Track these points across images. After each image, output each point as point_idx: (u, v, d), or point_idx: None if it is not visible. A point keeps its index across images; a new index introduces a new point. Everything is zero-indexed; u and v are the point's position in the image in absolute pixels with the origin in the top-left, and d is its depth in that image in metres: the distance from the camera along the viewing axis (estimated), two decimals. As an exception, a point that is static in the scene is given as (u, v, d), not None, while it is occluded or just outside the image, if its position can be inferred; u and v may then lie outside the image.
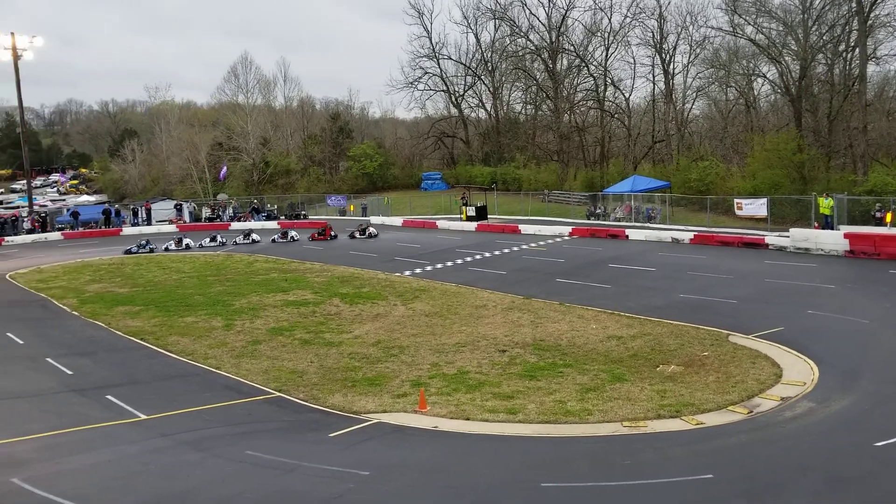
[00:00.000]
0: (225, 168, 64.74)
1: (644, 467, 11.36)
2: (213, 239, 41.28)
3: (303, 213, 55.30)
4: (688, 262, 29.03)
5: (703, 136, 57.62)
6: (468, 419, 14.05)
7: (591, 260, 30.88)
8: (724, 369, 16.13)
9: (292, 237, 41.66)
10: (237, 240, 41.74)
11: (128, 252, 38.08)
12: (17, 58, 50.80)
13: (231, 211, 54.87)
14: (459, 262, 32.12)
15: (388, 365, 18.06)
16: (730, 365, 16.39)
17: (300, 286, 27.92)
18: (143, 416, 14.82)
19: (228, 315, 23.78)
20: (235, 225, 50.23)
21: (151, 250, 38.37)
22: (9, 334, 22.04)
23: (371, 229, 42.80)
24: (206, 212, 55.16)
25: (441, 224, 46.69)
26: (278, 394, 16.38)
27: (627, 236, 37.18)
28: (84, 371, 18.30)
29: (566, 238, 38.17)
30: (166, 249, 39.56)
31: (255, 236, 42.23)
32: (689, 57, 55.05)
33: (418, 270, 30.40)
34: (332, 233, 42.32)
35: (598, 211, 45.43)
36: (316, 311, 24.11)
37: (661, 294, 23.79)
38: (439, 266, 31.23)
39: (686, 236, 34.64)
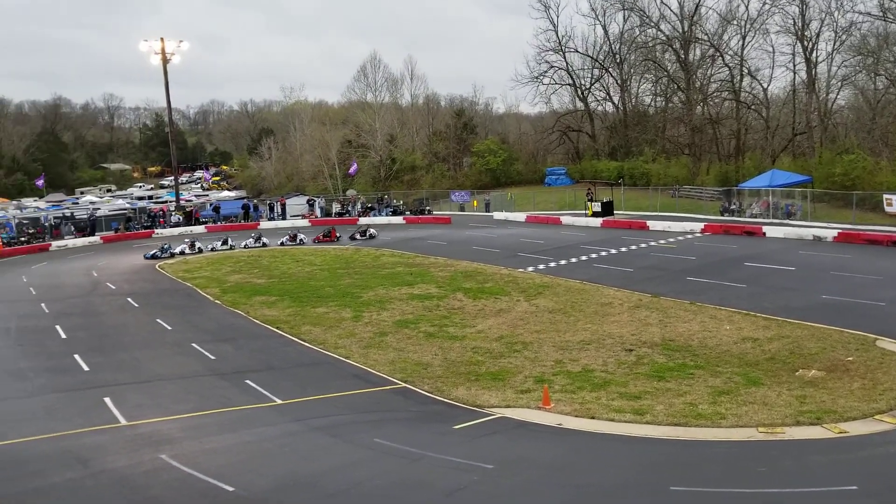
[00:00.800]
0: (355, 165, 66.72)
1: (781, 475, 10.85)
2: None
3: (427, 208, 56.39)
4: (831, 261, 27.38)
5: (848, 127, 53.91)
6: (593, 418, 13.89)
7: (725, 258, 29.67)
8: (870, 376, 15.14)
9: (301, 240, 42.61)
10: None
11: (153, 257, 38.98)
12: (166, 61, 54.45)
13: (360, 206, 56.73)
14: (584, 258, 31.69)
15: (511, 360, 18.10)
16: (877, 371, 15.36)
17: (425, 280, 28.42)
18: (279, 401, 15.56)
19: (357, 307, 24.58)
20: (362, 220, 51.96)
21: (172, 255, 39.61)
22: (158, 320, 23.77)
23: (371, 230, 43.76)
24: (336, 207, 57.18)
25: (565, 220, 46.16)
26: (404, 384, 16.78)
27: (765, 233, 35.47)
28: (225, 356, 19.48)
29: (697, 235, 36.85)
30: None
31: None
32: (834, 44, 51.58)
33: (542, 266, 30.24)
34: (337, 234, 43.41)
35: (733, 207, 43.54)
36: (440, 304, 24.48)
37: (801, 295, 22.57)
38: (563, 262, 30.92)
39: (829, 234, 32.79)
